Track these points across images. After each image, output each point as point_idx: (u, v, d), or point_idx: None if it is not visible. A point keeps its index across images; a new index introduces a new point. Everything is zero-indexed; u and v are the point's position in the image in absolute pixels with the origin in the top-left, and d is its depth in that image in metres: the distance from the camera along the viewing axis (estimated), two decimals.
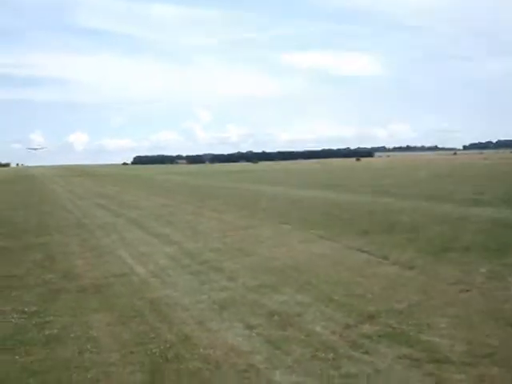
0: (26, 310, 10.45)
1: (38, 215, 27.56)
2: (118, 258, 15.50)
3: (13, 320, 9.86)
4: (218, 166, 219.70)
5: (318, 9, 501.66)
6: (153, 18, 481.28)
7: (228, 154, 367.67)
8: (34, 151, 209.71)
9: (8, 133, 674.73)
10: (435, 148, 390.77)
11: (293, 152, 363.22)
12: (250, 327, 9.09)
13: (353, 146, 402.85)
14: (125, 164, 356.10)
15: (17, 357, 8.14)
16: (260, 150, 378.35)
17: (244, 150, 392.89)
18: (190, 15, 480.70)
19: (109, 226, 22.67)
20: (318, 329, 8.88)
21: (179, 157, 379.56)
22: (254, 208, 27.76)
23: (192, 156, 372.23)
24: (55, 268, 14.16)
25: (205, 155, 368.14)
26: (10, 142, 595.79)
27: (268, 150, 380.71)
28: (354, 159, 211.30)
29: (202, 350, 8.16)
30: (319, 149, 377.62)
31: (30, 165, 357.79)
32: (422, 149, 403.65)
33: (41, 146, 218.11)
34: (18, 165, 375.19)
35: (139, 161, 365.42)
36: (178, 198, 36.58)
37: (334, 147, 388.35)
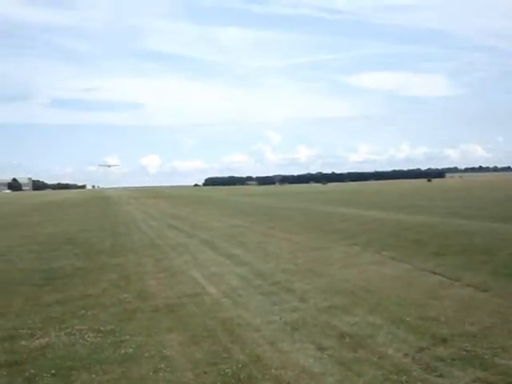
0: (102, 329, 10.75)
1: (113, 236, 28.25)
2: (190, 278, 15.74)
3: (89, 339, 10.15)
4: (287, 187, 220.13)
5: (388, 30, 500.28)
6: (223, 41, 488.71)
7: (298, 175, 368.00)
8: (107, 168, 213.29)
9: (85, 156, 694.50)
10: (508, 169, 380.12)
11: (363, 173, 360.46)
12: (321, 348, 9.09)
13: (424, 167, 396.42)
14: (196, 185, 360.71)
15: (93, 375, 8.39)
16: (330, 171, 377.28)
17: (313, 171, 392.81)
18: (259, 38, 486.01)
19: (181, 246, 23.03)
20: (390, 351, 8.81)
21: (249, 178, 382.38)
22: (324, 229, 27.69)
23: (262, 177, 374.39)
24: (130, 288, 14.50)
25: (274, 176, 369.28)
26: (86, 164, 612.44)
27: (338, 171, 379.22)
28: (425, 180, 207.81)
29: (273, 370, 8.22)
30: (389, 170, 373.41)
31: (105, 187, 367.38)
32: (495, 169, 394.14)
33: (114, 163, 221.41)
34: (93, 187, 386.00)
35: (210, 182, 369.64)
36: (248, 218, 36.81)
37: (405, 168, 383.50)
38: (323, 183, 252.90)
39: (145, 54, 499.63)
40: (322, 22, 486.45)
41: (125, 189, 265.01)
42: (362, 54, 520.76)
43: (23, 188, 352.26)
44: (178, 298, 13.19)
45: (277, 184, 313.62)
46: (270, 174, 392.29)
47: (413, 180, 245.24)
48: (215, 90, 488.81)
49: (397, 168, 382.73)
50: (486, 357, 8.37)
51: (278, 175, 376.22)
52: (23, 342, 10.06)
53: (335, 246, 21.44)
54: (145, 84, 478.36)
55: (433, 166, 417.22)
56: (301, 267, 16.73)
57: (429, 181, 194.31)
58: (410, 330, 9.86)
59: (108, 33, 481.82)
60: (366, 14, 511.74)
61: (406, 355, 8.60)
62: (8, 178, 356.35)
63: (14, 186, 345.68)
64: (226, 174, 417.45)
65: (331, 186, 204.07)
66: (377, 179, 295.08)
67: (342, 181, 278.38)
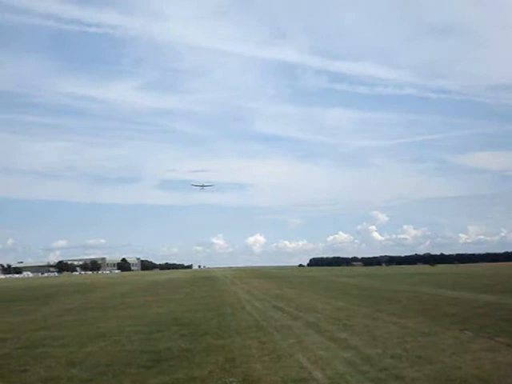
0: None
1: (218, 316, 28.41)
2: (295, 362, 15.52)
3: None
4: (394, 268, 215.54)
5: (498, 109, 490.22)
6: (328, 122, 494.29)
7: (404, 256, 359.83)
8: (201, 188, 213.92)
9: (191, 236, 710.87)
10: None
11: (473, 254, 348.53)
12: None
13: None
14: (301, 266, 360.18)
15: None
16: (438, 252, 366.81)
17: (421, 252, 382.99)
18: (364, 118, 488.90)
19: (286, 328, 22.84)
20: None
21: (355, 259, 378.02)
22: (433, 313, 26.82)
23: (367, 258, 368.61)
24: (235, 371, 14.45)
25: (381, 257, 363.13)
26: (192, 245, 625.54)
27: (446, 252, 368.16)
28: None
29: None
30: (502, 251, 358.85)
31: (211, 266, 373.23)
32: None
33: (208, 183, 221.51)
34: (199, 266, 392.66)
35: (315, 263, 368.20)
36: (354, 301, 36.19)
37: None
38: (431, 265, 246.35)
39: (251, 136, 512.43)
40: (428, 102, 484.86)
41: (230, 268, 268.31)
42: (470, 134, 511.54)
43: (132, 268, 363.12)
44: (283, 382, 13.02)
45: (383, 265, 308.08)
46: (376, 254, 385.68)
47: None
48: (320, 170, 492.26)
49: (510, 250, 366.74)
50: None
51: (384, 256, 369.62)
52: None
53: (445, 331, 20.66)
54: (251, 165, 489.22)
55: None
56: (410, 353, 16.18)
57: None
58: None
59: (216, 115, 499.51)
60: (474, 93, 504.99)
61: None
62: (118, 258, 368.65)
63: (124, 266, 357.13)
64: (330, 255, 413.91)
65: (440, 267, 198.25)
66: (489, 261, 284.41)
67: (451, 262, 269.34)
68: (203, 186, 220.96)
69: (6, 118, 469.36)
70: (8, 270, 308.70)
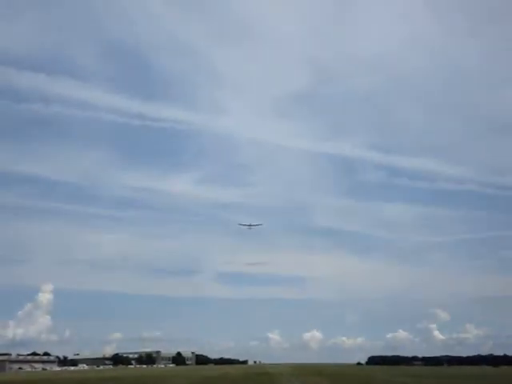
0: None
1: None
2: None
3: None
4: (456, 368, 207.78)
5: None
6: (386, 216, 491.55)
7: (466, 357, 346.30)
8: (247, 228, 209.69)
9: (247, 330, 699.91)
10: None
11: None
12: None
13: None
14: (359, 364, 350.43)
15: None
16: (501, 353, 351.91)
17: (484, 353, 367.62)
18: (423, 213, 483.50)
19: None
20: None
21: (415, 358, 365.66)
22: None
23: (428, 357, 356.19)
24: None
25: (441, 357, 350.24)
26: (248, 339, 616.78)
27: (510, 354, 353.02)
28: None
29: None
30: None
31: (266, 362, 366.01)
32: None
33: (256, 223, 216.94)
34: (255, 362, 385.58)
35: (373, 361, 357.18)
36: None
37: None
38: (494, 366, 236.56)
39: (309, 229, 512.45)
40: (488, 198, 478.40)
41: (286, 365, 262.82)
42: None
43: (187, 362, 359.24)
44: None
45: (444, 365, 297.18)
46: (437, 353, 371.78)
47: None
48: (378, 264, 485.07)
49: None
50: None
51: (446, 356, 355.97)
52: None
53: None
54: (308, 258, 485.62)
55: None
56: None
57: None
58: None
59: (274, 208, 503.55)
60: None
61: None
62: (173, 352, 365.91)
63: (178, 360, 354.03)
64: (389, 353, 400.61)
65: (503, 369, 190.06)
66: None
67: None
68: (250, 225, 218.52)
69: (68, 209, 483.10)
70: (64, 362, 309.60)
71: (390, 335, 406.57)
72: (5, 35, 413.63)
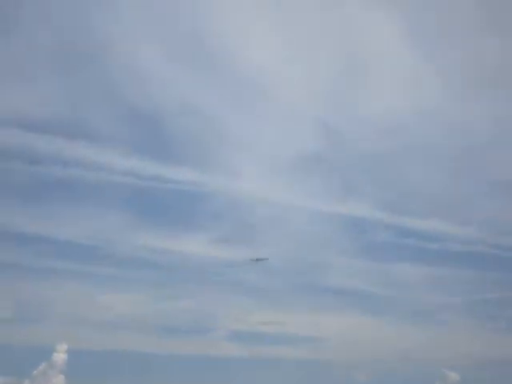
0: None
1: None
2: None
3: None
4: None
5: None
6: (396, 276, 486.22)
7: None
8: (255, 262, 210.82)
9: None
10: None
11: None
12: None
13: None
14: None
15: None
16: None
17: None
18: (432, 274, 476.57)
19: None
20: None
21: None
22: None
23: None
24: None
25: None
26: None
27: None
28: None
29: None
30: None
31: None
32: None
33: (264, 257, 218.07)
34: None
35: None
36: None
37: None
38: None
39: (322, 289, 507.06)
40: (498, 259, 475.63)
41: None
42: None
43: None
44: None
45: None
46: None
47: None
48: (388, 324, 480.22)
49: None
50: None
51: None
52: None
53: None
54: (322, 318, 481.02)
55: None
56: None
57: None
58: None
59: (287, 268, 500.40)
60: None
61: None
62: None
63: None
64: None
65: None
66: None
67: None
68: (257, 259, 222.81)
69: (84, 270, 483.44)
70: None
71: None
72: (25, 100, 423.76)
